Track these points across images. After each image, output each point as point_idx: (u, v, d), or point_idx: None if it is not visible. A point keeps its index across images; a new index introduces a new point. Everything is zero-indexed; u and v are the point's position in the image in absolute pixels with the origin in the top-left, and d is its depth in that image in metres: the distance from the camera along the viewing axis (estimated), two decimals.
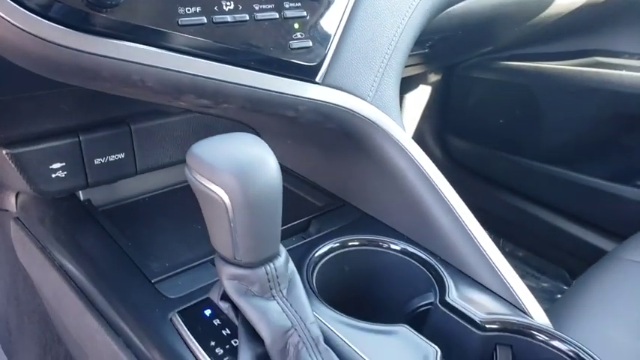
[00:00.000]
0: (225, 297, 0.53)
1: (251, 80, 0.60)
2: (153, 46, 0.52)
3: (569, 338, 0.54)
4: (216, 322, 0.56)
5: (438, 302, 0.60)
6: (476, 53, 1.61)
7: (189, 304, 0.59)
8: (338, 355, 0.48)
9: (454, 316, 0.58)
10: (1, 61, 0.50)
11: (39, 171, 0.74)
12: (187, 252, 0.73)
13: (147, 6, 0.51)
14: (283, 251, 0.52)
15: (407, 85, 1.80)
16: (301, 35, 0.62)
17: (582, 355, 0.52)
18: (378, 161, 0.72)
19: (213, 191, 0.45)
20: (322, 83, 0.65)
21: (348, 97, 0.68)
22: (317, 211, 0.81)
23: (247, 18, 0.58)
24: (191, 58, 0.55)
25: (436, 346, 0.51)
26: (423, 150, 0.70)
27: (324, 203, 0.84)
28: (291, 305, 0.50)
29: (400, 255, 0.68)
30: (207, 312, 0.58)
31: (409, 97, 1.83)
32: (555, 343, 0.54)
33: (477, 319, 0.57)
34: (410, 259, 0.67)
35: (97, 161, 0.77)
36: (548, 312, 0.61)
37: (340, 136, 0.73)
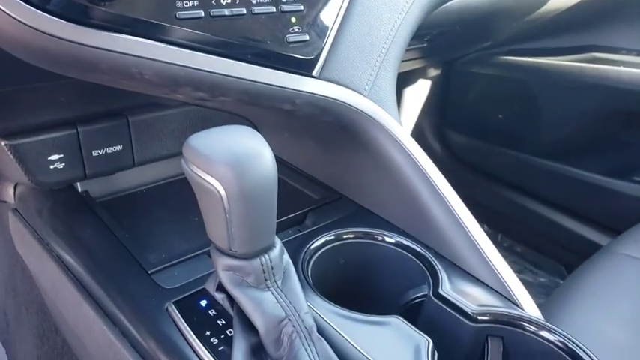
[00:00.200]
0: (220, 288, 0.53)
1: (248, 73, 0.60)
2: (151, 39, 0.53)
3: (557, 329, 0.55)
4: (212, 312, 0.57)
5: (431, 294, 0.61)
6: (474, 48, 1.61)
7: (185, 295, 0.60)
8: (331, 345, 0.49)
9: (447, 307, 0.59)
10: (0, 52, 0.51)
11: (37, 162, 0.74)
12: (184, 243, 0.73)
13: None
14: (278, 243, 0.52)
15: (406, 79, 1.80)
16: (298, 29, 0.63)
17: (570, 345, 0.53)
18: (374, 155, 0.72)
19: (208, 182, 0.45)
20: (319, 77, 0.66)
21: (344, 90, 0.68)
22: (314, 204, 0.82)
23: (244, 12, 0.58)
24: (189, 51, 0.55)
25: (428, 337, 0.52)
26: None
27: (321, 196, 0.85)
28: (285, 296, 0.51)
29: (395, 248, 0.69)
30: (203, 302, 0.58)
31: (408, 91, 1.83)
32: (544, 333, 0.55)
33: (469, 311, 0.57)
34: (404, 252, 0.68)
35: (94, 153, 0.78)
36: (542, 305, 0.62)
37: (337, 130, 0.74)
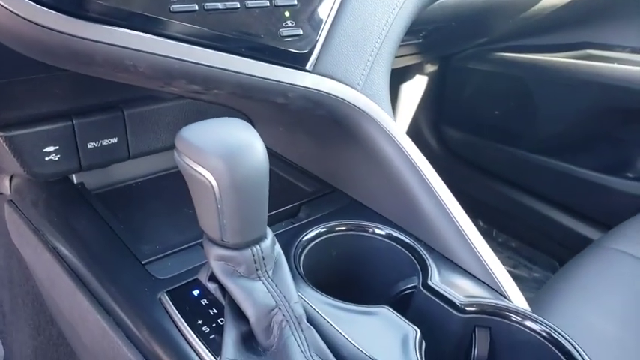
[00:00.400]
0: (212, 278, 0.54)
1: (241, 67, 0.61)
2: (145, 32, 0.53)
3: (541, 319, 0.56)
4: (204, 301, 0.58)
5: (420, 285, 0.62)
6: (471, 44, 1.61)
7: (178, 285, 0.61)
8: (320, 334, 0.50)
9: (436, 299, 0.60)
10: None
11: (33, 154, 0.74)
12: (177, 235, 0.74)
13: None
14: (269, 233, 0.53)
15: (403, 75, 1.81)
16: (292, 23, 0.63)
17: (554, 335, 0.54)
18: (366, 148, 0.73)
19: (200, 174, 0.46)
20: (312, 71, 0.66)
21: (337, 85, 0.69)
22: (307, 196, 0.83)
23: (238, 5, 0.59)
24: (183, 44, 0.56)
25: (416, 327, 0.53)
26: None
27: (314, 189, 0.86)
28: (276, 285, 0.52)
29: (385, 240, 0.69)
30: (196, 292, 0.59)
31: (405, 87, 1.84)
32: (528, 323, 0.56)
33: (457, 302, 0.58)
34: (395, 244, 0.69)
35: (90, 145, 0.78)
36: (532, 298, 0.63)
37: (330, 124, 0.74)
